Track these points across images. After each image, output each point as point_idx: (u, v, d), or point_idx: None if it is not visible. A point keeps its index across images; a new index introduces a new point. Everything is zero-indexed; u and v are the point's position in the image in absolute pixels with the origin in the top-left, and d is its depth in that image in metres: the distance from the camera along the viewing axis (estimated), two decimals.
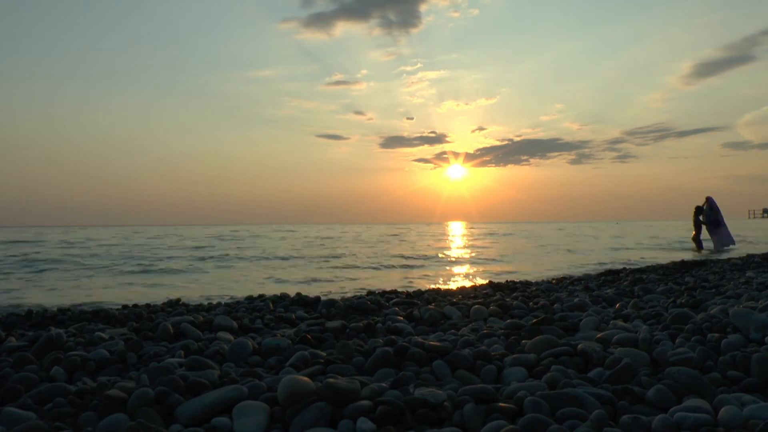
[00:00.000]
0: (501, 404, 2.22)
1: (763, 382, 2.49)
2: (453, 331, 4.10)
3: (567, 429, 1.96)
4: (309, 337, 3.65)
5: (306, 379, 2.36)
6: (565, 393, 2.24)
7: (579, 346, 3.00)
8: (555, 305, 5.18)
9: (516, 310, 4.97)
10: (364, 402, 2.19)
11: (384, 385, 2.44)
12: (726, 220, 19.52)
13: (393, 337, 3.57)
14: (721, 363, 2.72)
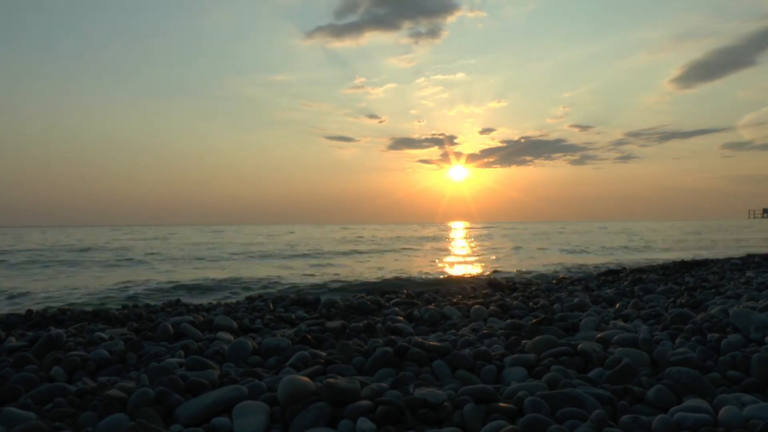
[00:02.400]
0: (501, 404, 2.22)
1: (763, 382, 2.49)
2: (453, 331, 4.10)
3: (567, 429, 1.96)
4: (309, 337, 3.65)
5: (306, 379, 2.36)
6: (565, 393, 2.24)
7: (579, 346, 2.99)
8: (555, 305, 5.18)
9: (516, 310, 4.97)
10: (364, 402, 2.19)
11: (384, 385, 2.44)
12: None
13: (393, 337, 3.57)
14: (721, 363, 2.72)
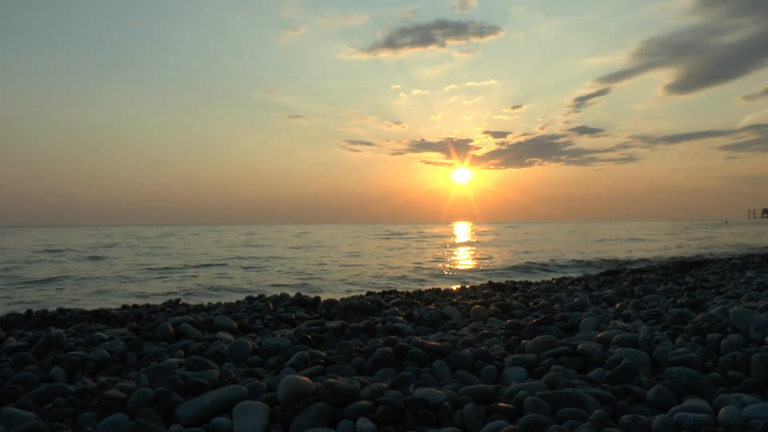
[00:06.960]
0: (501, 404, 2.22)
1: (763, 382, 2.48)
2: (453, 331, 4.10)
3: (567, 429, 1.96)
4: (309, 337, 3.65)
5: (306, 379, 2.35)
6: (565, 393, 2.24)
7: (579, 346, 2.99)
8: (555, 305, 5.18)
9: (516, 310, 4.97)
10: (364, 402, 2.19)
11: (384, 385, 2.44)
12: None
13: (393, 337, 3.56)
14: (721, 363, 2.72)
